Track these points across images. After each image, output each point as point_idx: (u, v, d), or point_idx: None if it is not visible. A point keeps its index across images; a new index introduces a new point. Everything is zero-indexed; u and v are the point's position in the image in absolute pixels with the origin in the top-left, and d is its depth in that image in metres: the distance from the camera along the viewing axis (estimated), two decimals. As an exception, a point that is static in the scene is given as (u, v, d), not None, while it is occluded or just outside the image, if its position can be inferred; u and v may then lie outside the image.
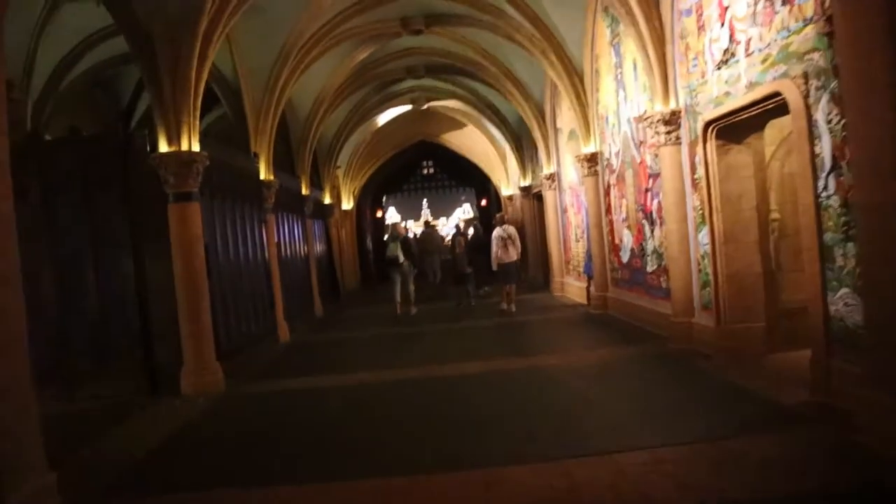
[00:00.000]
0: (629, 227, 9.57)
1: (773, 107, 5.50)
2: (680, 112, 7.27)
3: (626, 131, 9.25)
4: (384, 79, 15.97)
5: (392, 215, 59.34)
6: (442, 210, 57.77)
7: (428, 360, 8.33)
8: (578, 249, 12.74)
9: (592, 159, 10.87)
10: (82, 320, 7.70)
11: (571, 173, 12.83)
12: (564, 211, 13.75)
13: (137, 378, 7.51)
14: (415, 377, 7.36)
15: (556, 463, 4.21)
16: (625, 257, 9.89)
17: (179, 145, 7.27)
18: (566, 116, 12.84)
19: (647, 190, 8.67)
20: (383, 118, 19.99)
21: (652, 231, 8.63)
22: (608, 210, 10.53)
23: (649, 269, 8.86)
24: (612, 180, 10.14)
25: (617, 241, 10.21)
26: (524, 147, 17.67)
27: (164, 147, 7.28)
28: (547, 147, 14.34)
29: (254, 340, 9.78)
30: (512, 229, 12.25)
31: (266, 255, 10.70)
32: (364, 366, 8.36)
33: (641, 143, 8.71)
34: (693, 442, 4.36)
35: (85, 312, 7.70)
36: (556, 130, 13.86)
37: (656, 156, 8.12)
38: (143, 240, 7.59)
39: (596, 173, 10.91)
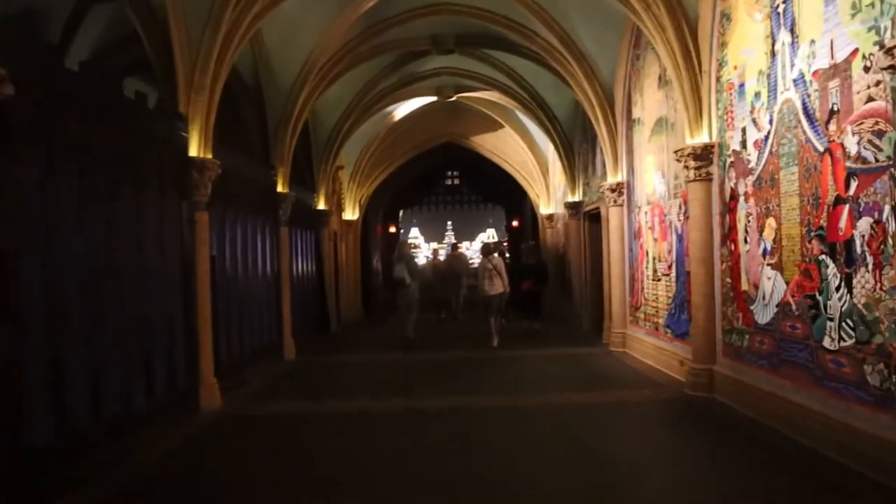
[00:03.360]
0: (779, 267, 5.61)
1: None
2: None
3: (795, 100, 5.32)
4: (402, 48, 12.22)
5: (415, 236, 55.89)
6: (467, 232, 54.03)
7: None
8: (660, 292, 8.76)
9: (704, 155, 6.96)
10: None
11: (654, 183, 8.91)
12: (636, 236, 9.80)
13: None
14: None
15: None
16: (763, 315, 5.92)
17: None
18: (650, 102, 8.95)
19: (840, 202, 4.72)
20: (401, 110, 16.29)
21: (845, 276, 4.67)
22: (730, 235, 6.59)
23: (831, 342, 4.88)
24: (746, 187, 6.21)
25: (746, 286, 6.25)
26: (575, 153, 13.78)
27: None
28: (614, 147, 10.44)
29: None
30: (498, 260, 11.88)
31: (191, 268, 6.92)
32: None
33: (833, 115, 4.78)
34: None
35: None
36: (629, 123, 9.96)
37: (870, 138, 4.22)
38: None
39: (709, 177, 6.98)
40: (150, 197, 6.28)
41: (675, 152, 7.30)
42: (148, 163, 6.34)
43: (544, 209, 17.40)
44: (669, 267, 8.35)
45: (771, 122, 5.72)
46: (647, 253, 9.27)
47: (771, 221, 5.74)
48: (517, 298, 14.80)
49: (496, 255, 12.21)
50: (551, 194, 17.09)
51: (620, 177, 10.40)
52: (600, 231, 12.26)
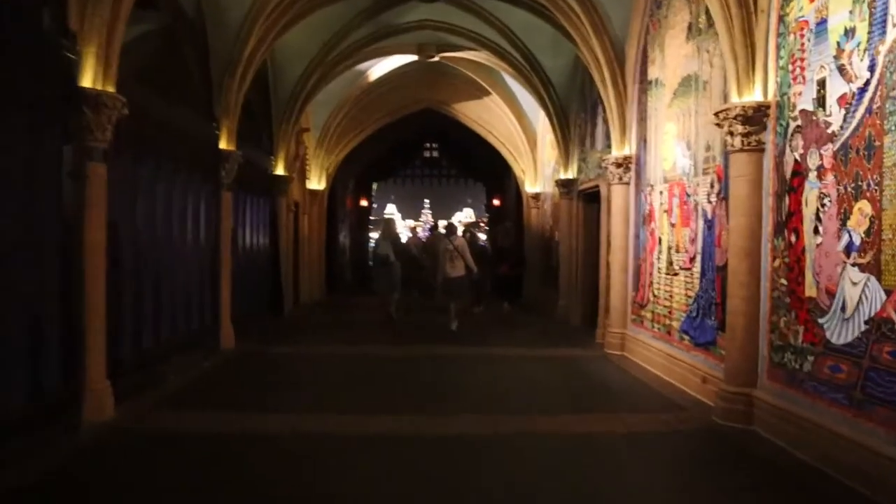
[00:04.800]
0: (873, 269, 4.07)
1: None
2: None
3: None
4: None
5: (392, 213, 53.90)
6: (444, 210, 52.24)
7: None
8: (675, 289, 7.21)
9: (755, 118, 5.37)
10: None
11: (674, 156, 7.33)
12: (646, 220, 8.23)
13: None
14: None
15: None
16: (840, 332, 4.38)
17: None
18: (675, 58, 7.34)
19: None
20: (377, 70, 14.49)
21: None
22: (790, 223, 5.03)
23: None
24: (821, 159, 4.64)
25: (813, 291, 4.70)
26: (571, 125, 12.15)
27: None
28: (623, 114, 8.84)
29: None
30: (460, 240, 11.19)
31: (75, 236, 5.20)
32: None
33: None
34: None
35: None
36: (643, 86, 8.36)
37: None
38: None
39: (760, 146, 5.40)
40: (14, 137, 4.53)
41: (717, 114, 5.69)
42: (18, 91, 4.58)
43: (530, 187, 15.79)
44: (692, 259, 6.79)
45: (872, 68, 4.13)
46: (660, 241, 7.71)
47: (863, 206, 4.18)
48: (495, 282, 13.81)
49: (459, 235, 11.70)
50: (539, 171, 15.49)
51: (628, 150, 8.81)
52: (597, 213, 10.73)
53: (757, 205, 5.43)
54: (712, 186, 6.35)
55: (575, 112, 11.87)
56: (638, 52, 8.48)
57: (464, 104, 16.11)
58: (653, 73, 8.05)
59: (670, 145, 7.45)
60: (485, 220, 27.96)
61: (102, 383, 5.44)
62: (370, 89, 15.25)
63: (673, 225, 7.33)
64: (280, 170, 12.39)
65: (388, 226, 13.28)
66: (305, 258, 15.16)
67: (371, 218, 25.54)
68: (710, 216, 6.40)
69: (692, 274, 6.78)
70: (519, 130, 15.55)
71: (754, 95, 5.43)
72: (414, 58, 13.75)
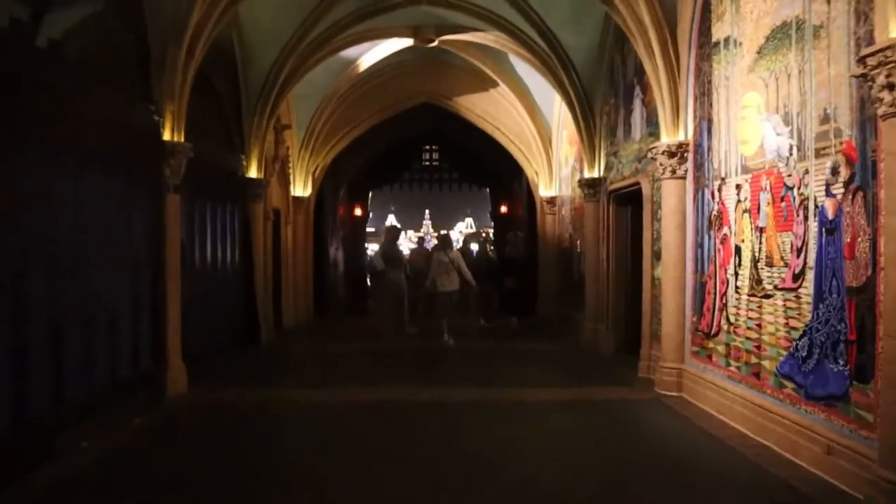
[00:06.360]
0: None
1: None
2: None
3: None
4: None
5: (393, 224, 51.87)
6: (446, 219, 50.23)
7: None
8: (767, 316, 5.27)
9: (935, 61, 3.47)
10: None
11: (761, 136, 5.41)
12: (714, 224, 6.31)
13: None
14: None
15: None
16: None
17: None
18: (756, 5, 5.45)
19: None
20: (368, 58, 12.60)
21: None
22: None
23: None
24: None
25: None
26: (596, 113, 10.25)
27: None
28: (675, 90, 6.94)
29: None
30: (455, 253, 11.09)
31: None
32: None
33: None
34: None
35: None
36: (704, 51, 6.45)
37: None
38: None
39: (946, 105, 3.50)
40: None
41: (864, 60, 3.78)
42: None
43: (545, 190, 13.85)
44: (797, 276, 4.86)
45: None
46: (739, 251, 5.78)
47: None
48: (501, 297, 13.98)
49: (453, 248, 11.36)
50: (554, 172, 13.58)
51: (683, 135, 6.91)
52: (633, 217, 8.87)
53: (935, 195, 3.52)
54: (835, 173, 4.43)
55: (602, 98, 9.95)
56: (695, 7, 6.60)
57: (467, 97, 14.19)
58: (720, 31, 6.15)
59: (753, 123, 5.54)
60: (487, 230, 26.21)
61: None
62: (360, 81, 13.37)
63: (761, 229, 5.40)
64: (253, 172, 10.49)
65: (390, 236, 12.59)
66: (289, 275, 13.23)
67: (368, 229, 23.67)
68: (830, 215, 4.48)
69: (798, 297, 4.85)
70: (531, 126, 13.63)
71: (928, 26, 3.53)
72: (409, 42, 11.88)
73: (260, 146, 10.50)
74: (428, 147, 18.48)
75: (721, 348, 6.10)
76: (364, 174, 17.92)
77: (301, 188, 13.81)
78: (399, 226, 21.45)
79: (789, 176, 4.99)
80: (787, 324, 5.01)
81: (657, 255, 7.61)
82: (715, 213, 6.26)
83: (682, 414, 6.20)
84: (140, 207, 6.50)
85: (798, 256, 4.86)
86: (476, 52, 12.44)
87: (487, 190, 19.69)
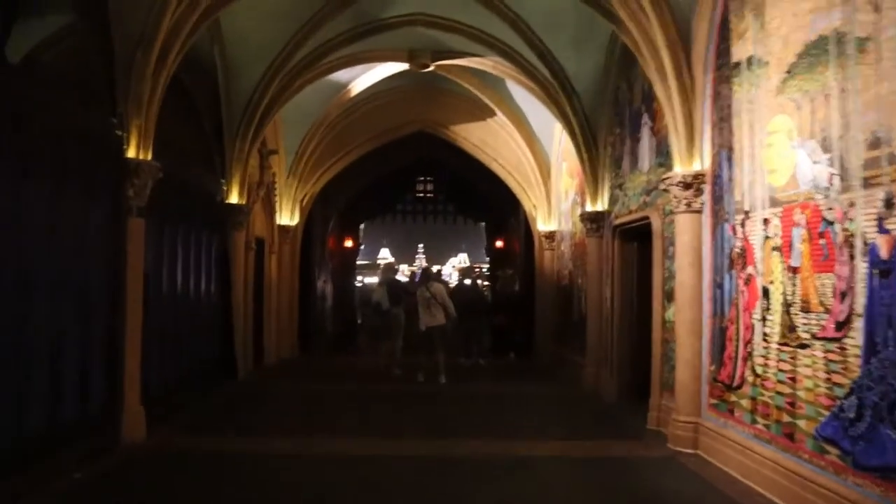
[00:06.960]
0: None
1: None
2: None
3: None
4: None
5: (385, 257, 51.08)
6: (439, 254, 49.55)
7: None
8: (802, 369, 4.59)
9: None
10: None
11: (793, 165, 4.79)
12: (736, 262, 5.66)
13: None
14: None
15: None
16: None
17: None
18: (785, 20, 4.90)
19: None
20: (360, 82, 12.09)
21: None
22: None
23: None
24: None
25: None
26: (599, 144, 9.68)
27: None
28: (689, 116, 6.37)
29: None
30: (438, 287, 10.40)
31: None
32: None
33: None
34: None
35: None
36: (722, 73, 5.88)
37: None
38: None
39: None
40: None
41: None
42: None
43: (543, 225, 13.24)
44: (842, 324, 4.20)
45: None
46: (767, 294, 5.12)
47: None
48: (493, 333, 13.99)
49: (436, 282, 10.93)
50: (553, 205, 13.00)
51: (699, 164, 6.31)
52: (641, 254, 8.23)
53: None
54: (889, 205, 3.81)
55: (606, 128, 9.40)
56: (712, 25, 6.06)
57: (464, 126, 13.66)
58: (742, 50, 5.59)
59: (782, 150, 4.93)
60: (480, 266, 25.63)
61: None
62: (352, 107, 12.89)
63: (794, 269, 4.75)
64: (234, 197, 9.84)
65: (386, 271, 12.54)
66: (272, 307, 12.51)
67: (359, 262, 23.00)
68: (884, 254, 3.84)
69: (843, 348, 4.18)
70: (529, 157, 13.10)
71: None
72: (404, 67, 11.38)
73: (242, 170, 9.88)
74: (422, 178, 17.96)
75: (745, 402, 5.40)
76: (355, 204, 17.33)
77: (288, 216, 13.16)
78: (393, 260, 20.89)
79: (830, 209, 4.36)
80: (828, 379, 4.33)
81: (668, 296, 6.96)
82: (738, 250, 5.62)
83: (701, 476, 5.47)
84: (96, 230, 5.81)
85: (842, 301, 4.20)
86: (473, 79, 11.98)
87: (483, 224, 19.11)
